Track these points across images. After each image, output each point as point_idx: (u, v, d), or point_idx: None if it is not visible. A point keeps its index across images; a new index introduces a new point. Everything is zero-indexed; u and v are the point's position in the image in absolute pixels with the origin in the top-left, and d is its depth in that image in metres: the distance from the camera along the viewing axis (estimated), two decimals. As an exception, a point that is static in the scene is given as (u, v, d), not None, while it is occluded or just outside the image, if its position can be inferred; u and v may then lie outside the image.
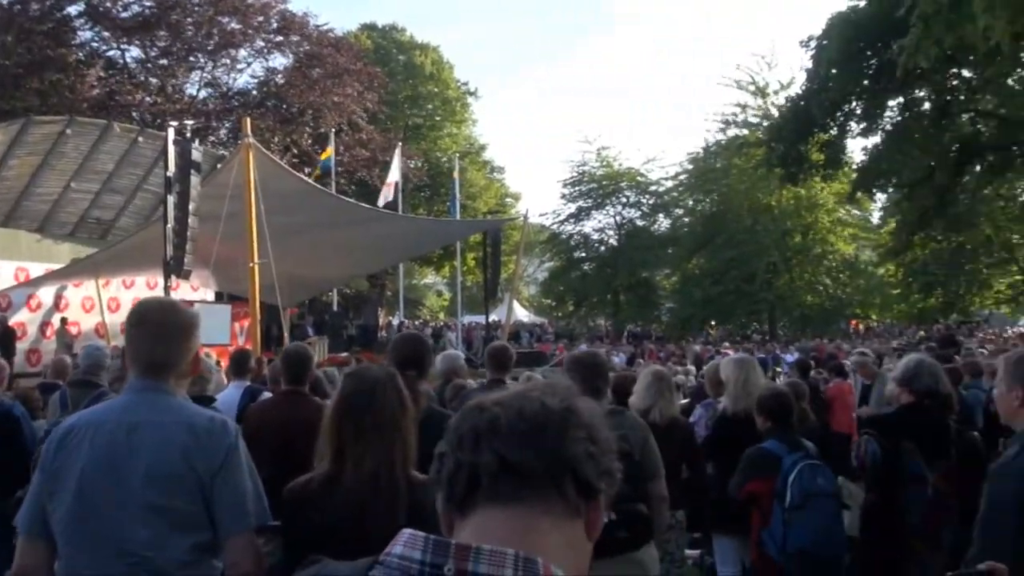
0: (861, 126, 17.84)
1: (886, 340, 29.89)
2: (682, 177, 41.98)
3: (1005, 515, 2.75)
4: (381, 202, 20.36)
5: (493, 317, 33.08)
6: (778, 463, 4.25)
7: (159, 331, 2.33)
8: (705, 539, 5.71)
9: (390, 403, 2.45)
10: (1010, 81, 18.94)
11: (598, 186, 41.37)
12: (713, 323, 39.87)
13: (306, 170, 23.45)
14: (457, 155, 33.42)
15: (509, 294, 25.84)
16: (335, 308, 24.22)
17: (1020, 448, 2.86)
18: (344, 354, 19.17)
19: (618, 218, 41.87)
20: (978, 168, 19.14)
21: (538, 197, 79.16)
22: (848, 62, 15.30)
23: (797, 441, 4.39)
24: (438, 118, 40.90)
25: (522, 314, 43.73)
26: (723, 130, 39.40)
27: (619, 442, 3.27)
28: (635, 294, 40.94)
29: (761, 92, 37.69)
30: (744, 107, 38.40)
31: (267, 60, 27.47)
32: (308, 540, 2.35)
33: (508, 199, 44.54)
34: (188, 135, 10.92)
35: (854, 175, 19.85)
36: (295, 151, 25.27)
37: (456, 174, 26.61)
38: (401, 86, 37.47)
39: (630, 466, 3.63)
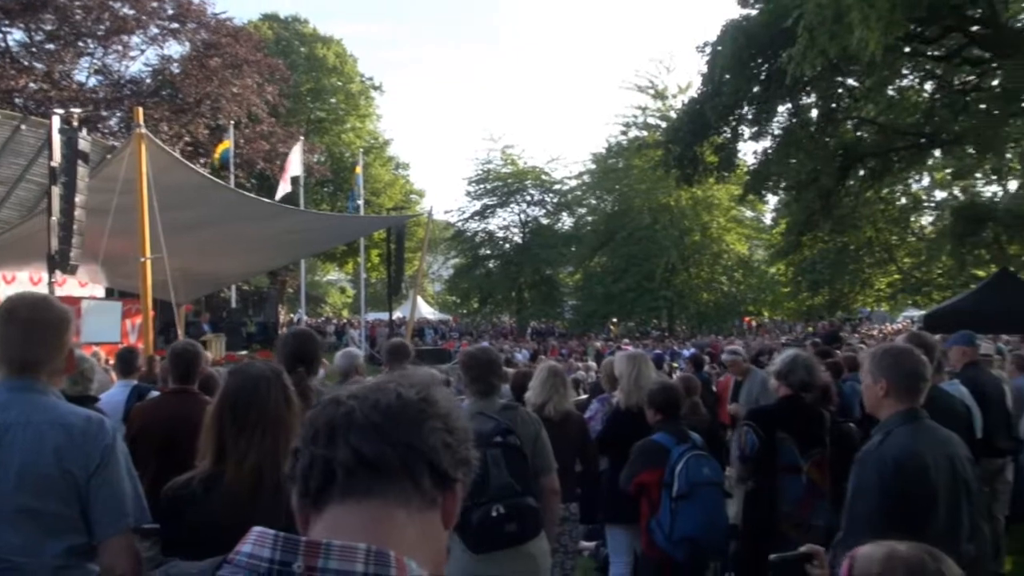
0: (752, 130, 18.50)
1: (776, 336, 31.19)
2: (585, 177, 42.76)
3: (868, 500, 2.95)
4: (279, 194, 19.88)
5: (397, 314, 32.87)
6: (666, 454, 4.41)
7: (29, 328, 2.24)
8: (600, 530, 5.85)
9: (274, 399, 2.41)
10: (889, 91, 20.02)
11: (503, 184, 41.63)
12: (614, 320, 40.68)
13: (201, 161, 22.72)
14: (361, 150, 32.93)
15: (413, 291, 25.70)
16: (233, 305, 23.55)
17: (883, 437, 3.07)
18: (243, 352, 18.71)
19: (522, 216, 42.26)
20: (861, 173, 20.18)
21: (443, 194, 79.15)
22: (740, 68, 15.85)
23: (685, 433, 4.55)
24: (341, 112, 40.26)
25: (427, 311, 43.64)
26: (624, 131, 40.36)
27: (511, 437, 3.35)
28: (539, 291, 41.41)
29: (660, 95, 38.75)
30: (644, 109, 39.47)
31: (162, 48, 26.38)
32: (186, 540, 2.29)
33: (413, 195, 44.28)
34: (75, 124, 10.39)
35: (746, 177, 20.60)
36: (188, 140, 24.41)
37: (359, 169, 26.19)
38: (303, 79, 36.70)
39: (521, 460, 3.73)
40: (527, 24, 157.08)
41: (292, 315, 35.80)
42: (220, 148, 21.73)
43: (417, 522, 0.99)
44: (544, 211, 42.93)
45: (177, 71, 26.08)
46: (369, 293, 42.24)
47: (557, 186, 42.82)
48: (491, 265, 42.72)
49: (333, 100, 39.95)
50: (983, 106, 16.47)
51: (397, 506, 0.98)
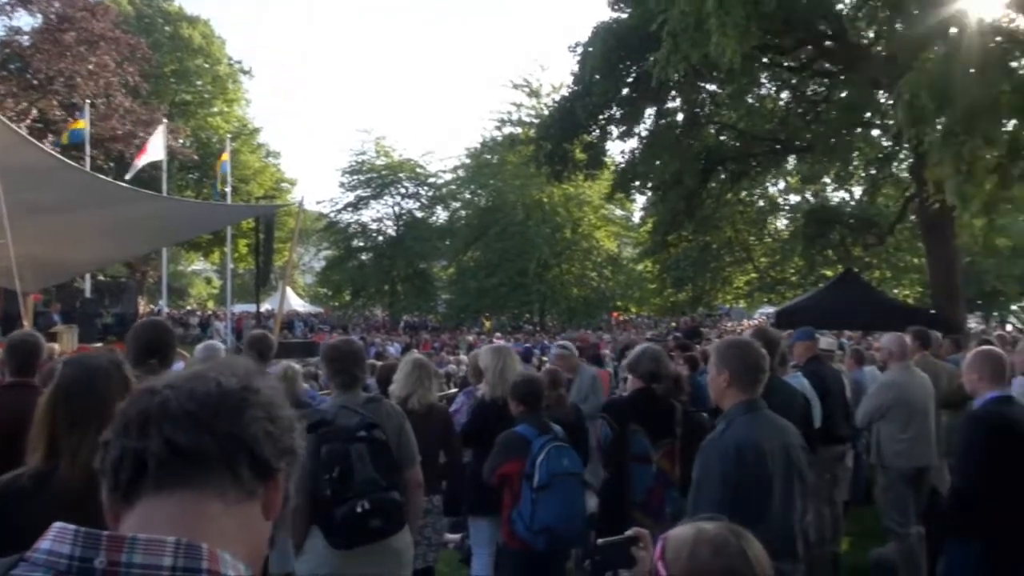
0: (621, 130, 19.01)
1: (642, 331, 32.24)
2: (460, 171, 42.84)
3: (711, 486, 3.12)
4: (130, 174, 18.83)
5: (266, 306, 31.93)
6: (528, 446, 4.50)
7: None
8: (464, 523, 5.90)
9: (113, 392, 2.27)
10: (749, 99, 21.03)
11: (377, 176, 41.14)
12: (487, 314, 40.99)
13: (50, 138, 21.32)
14: (229, 136, 31.76)
15: (283, 283, 25.02)
16: (88, 295, 22.24)
17: (726, 426, 3.24)
18: (97, 344, 17.69)
19: (396, 209, 41.93)
20: (722, 176, 21.12)
21: (316, 184, 77.31)
22: (610, 70, 16.25)
23: (547, 425, 4.64)
24: (208, 95, 38.71)
25: (297, 303, 42.64)
26: (499, 127, 40.66)
27: (376, 431, 3.33)
28: (412, 285, 41.20)
29: (535, 93, 39.30)
30: (519, 106, 39.90)
31: (10, 18, 24.62)
32: (14, 540, 2.15)
33: (284, 184, 43.12)
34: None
35: (614, 176, 21.18)
36: (35, 117, 22.87)
37: (227, 156, 25.24)
38: (167, 59, 35.06)
39: (387, 454, 3.72)
40: (404, 15, 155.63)
41: (152, 306, 34.17)
42: (72, 126, 20.42)
43: (235, 514, 0.96)
44: (418, 204, 42.77)
45: (27, 44, 24.38)
46: (236, 284, 40.88)
47: (432, 179, 42.74)
48: (364, 257, 42.17)
49: (199, 83, 38.38)
50: (832, 116, 17.55)
51: (212, 497, 0.94)
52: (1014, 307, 34.49)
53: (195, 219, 18.51)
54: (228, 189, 26.28)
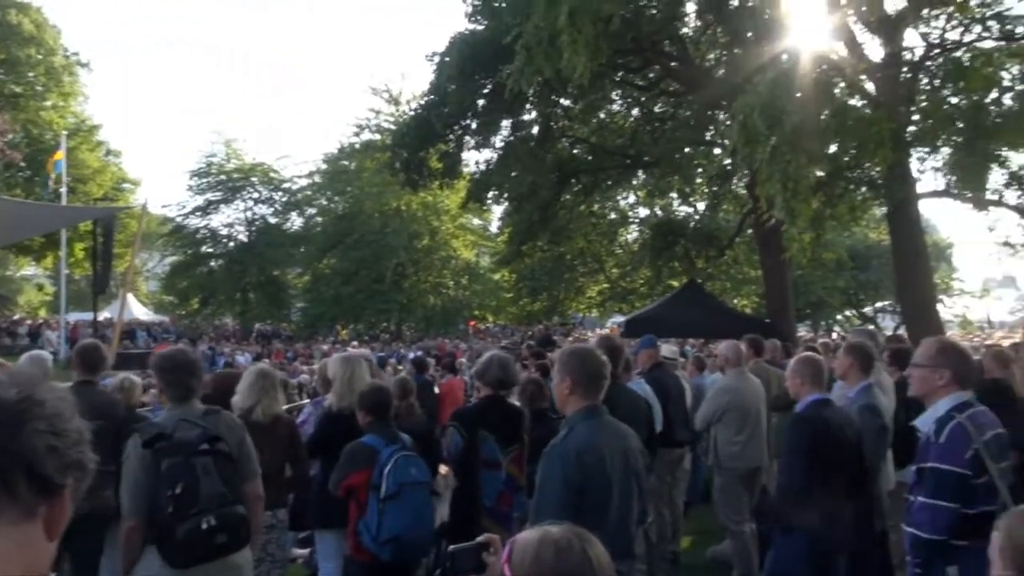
0: (477, 140, 19.17)
1: (498, 340, 32.59)
2: (316, 177, 41.91)
3: (553, 490, 3.18)
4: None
5: (104, 314, 30.06)
6: (376, 456, 4.45)
7: None
8: (312, 537, 5.76)
9: None
10: (601, 114, 21.75)
11: (228, 179, 39.58)
12: (343, 322, 40.26)
13: None
14: (64, 132, 29.74)
15: (123, 290, 23.58)
16: None
17: (568, 431, 3.32)
18: (-97, 356, 16.09)
19: (249, 214, 40.45)
20: (576, 188, 21.67)
21: (162, 186, 73.63)
22: (465, 80, 16.34)
23: (395, 434, 4.61)
24: (40, 88, 36.10)
25: (140, 312, 40.47)
26: (357, 133, 40.11)
27: (220, 443, 3.19)
28: (265, 292, 39.85)
29: (395, 101, 39.03)
30: (379, 113, 39.52)
31: None
32: None
33: (126, 185, 40.73)
34: None
35: (469, 186, 21.29)
36: None
37: (62, 154, 23.61)
38: (-8, 47, 32.48)
39: (231, 467, 3.58)
40: (261, 13, 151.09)
41: (-28, 314, 31.48)
42: None
43: (10, 534, 0.90)
44: (272, 210, 41.43)
45: None
46: (72, 291, 38.29)
47: (286, 185, 41.53)
48: (213, 264, 40.42)
49: (31, 74, 35.72)
50: (676, 134, 18.41)
51: None
52: (839, 316, 37.18)
53: (24, 221, 17.15)
54: (64, 189, 24.57)
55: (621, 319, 23.05)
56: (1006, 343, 13.00)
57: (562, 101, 19.16)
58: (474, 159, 21.14)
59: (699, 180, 24.40)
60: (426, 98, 18.59)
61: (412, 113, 22.64)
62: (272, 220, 41.22)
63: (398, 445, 4.52)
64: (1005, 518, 2.00)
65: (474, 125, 18.19)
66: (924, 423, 3.62)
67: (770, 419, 7.18)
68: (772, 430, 7.02)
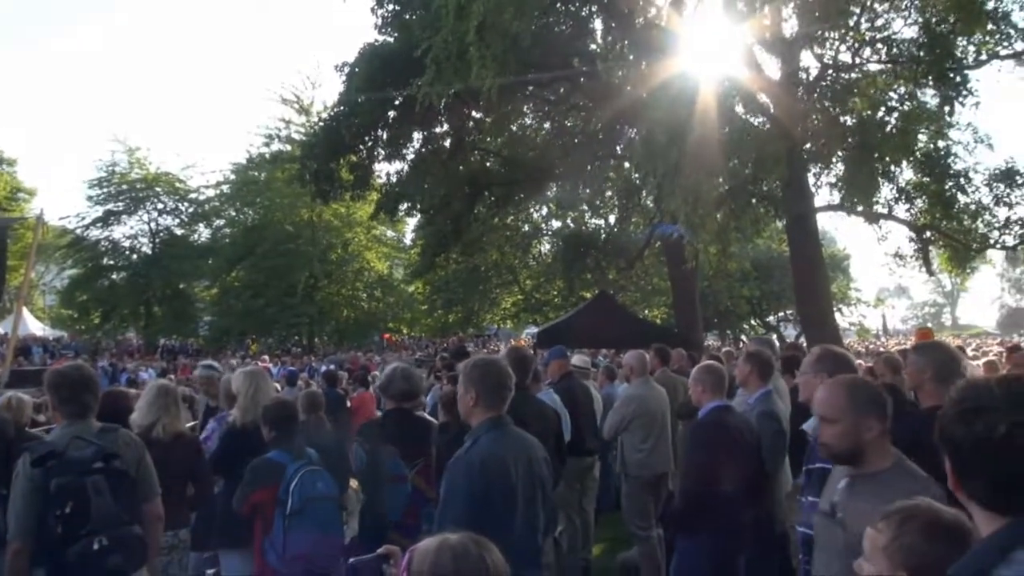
0: (387, 151, 19.05)
1: (413, 352, 32.43)
2: (224, 187, 40.84)
3: (458, 500, 3.21)
4: None
5: (-4, 330, 28.56)
6: (282, 471, 4.38)
7: None
8: (217, 557, 5.61)
9: None
10: (513, 127, 21.94)
11: (131, 189, 38.18)
12: (253, 336, 39.30)
13: None
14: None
15: (17, 304, 22.45)
16: None
17: (473, 442, 3.35)
18: None
19: (153, 225, 39.09)
20: (490, 200, 21.78)
21: (59, 196, 70.50)
22: (376, 91, 16.23)
23: (301, 449, 4.54)
24: (-77, 92, 34.22)
25: (36, 327, 38.53)
26: (267, 143, 39.31)
27: (115, 461, 3.12)
28: (170, 306, 38.54)
29: (305, 110, 38.45)
30: (289, 123, 38.86)
31: None
32: None
33: (21, 194, 38.87)
34: None
35: (379, 197, 21.13)
36: None
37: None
38: None
39: (128, 486, 3.49)
40: (164, 17, 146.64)
41: None
42: None
43: None
44: (178, 221, 40.17)
45: None
46: (-41, 306, 36.25)
47: (193, 195, 40.33)
48: (115, 277, 38.86)
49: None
50: (586, 147, 18.73)
51: None
52: (745, 325, 38.40)
53: (-98, 232, 16.17)
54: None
55: (535, 330, 23.29)
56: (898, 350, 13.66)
57: (474, 114, 19.25)
58: (385, 171, 20.98)
59: (609, 193, 24.83)
60: (336, 109, 18.38)
61: (319, 123, 22.35)
62: (178, 231, 39.95)
63: (304, 460, 4.46)
64: (888, 517, 1.90)
65: (385, 137, 18.08)
66: (811, 426, 3.79)
67: (676, 427, 7.36)
68: (678, 437, 7.19)
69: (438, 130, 20.00)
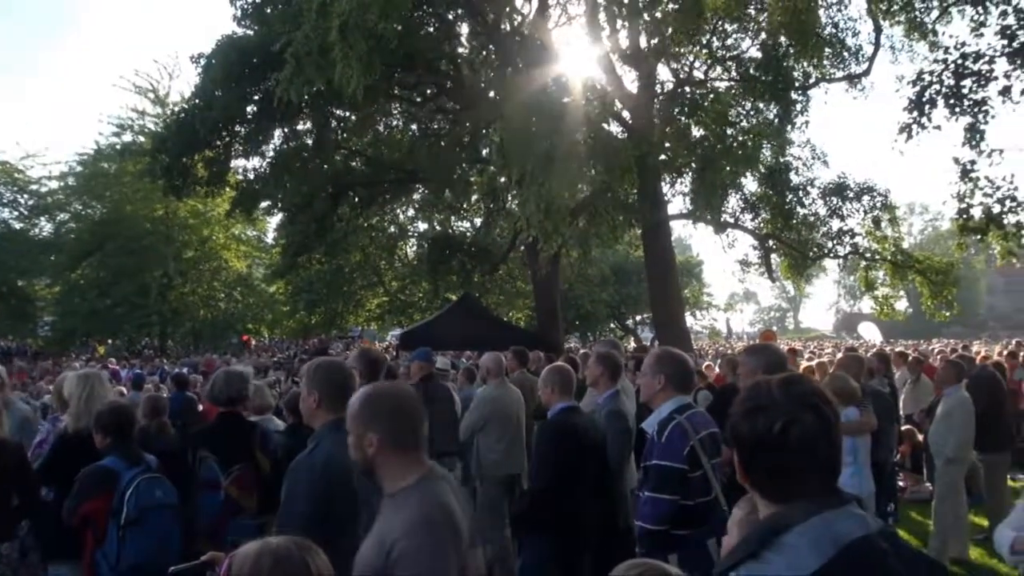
0: (246, 148, 18.45)
1: (273, 354, 31.52)
2: (70, 179, 38.34)
3: (298, 504, 3.16)
4: None
5: None
6: (116, 479, 4.18)
7: None
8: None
9: None
10: (380, 127, 21.73)
11: (-37, 180, 35.39)
12: (100, 338, 37.12)
13: None
14: None
15: None
16: None
17: (315, 445, 3.32)
18: None
19: (-12, 218, 36.37)
20: (355, 200, 21.47)
21: None
22: (233, 85, 15.64)
23: (138, 455, 4.35)
24: None
25: None
26: (118, 134, 37.22)
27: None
28: (7, 305, 35.85)
29: (161, 101, 36.71)
30: (143, 113, 37.01)
31: None
32: None
33: None
34: None
35: (236, 195, 20.42)
36: None
37: None
38: None
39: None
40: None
41: None
42: None
43: None
44: (16, 214, 37.48)
45: None
46: None
47: (34, 186, 37.70)
48: (-55, 273, 35.89)
49: None
50: (452, 150, 18.79)
51: None
52: (605, 328, 39.57)
53: None
54: None
55: (400, 332, 23.16)
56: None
57: (338, 112, 18.94)
58: (243, 167, 20.27)
59: (475, 197, 25.02)
60: (191, 102, 17.61)
61: (172, 116, 21.39)
62: (17, 225, 37.26)
63: (141, 467, 4.28)
64: (747, 498, 2.13)
65: (243, 132, 17.48)
66: (649, 425, 3.97)
67: (532, 427, 7.51)
68: (534, 438, 7.33)
69: (300, 127, 19.54)
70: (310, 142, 19.81)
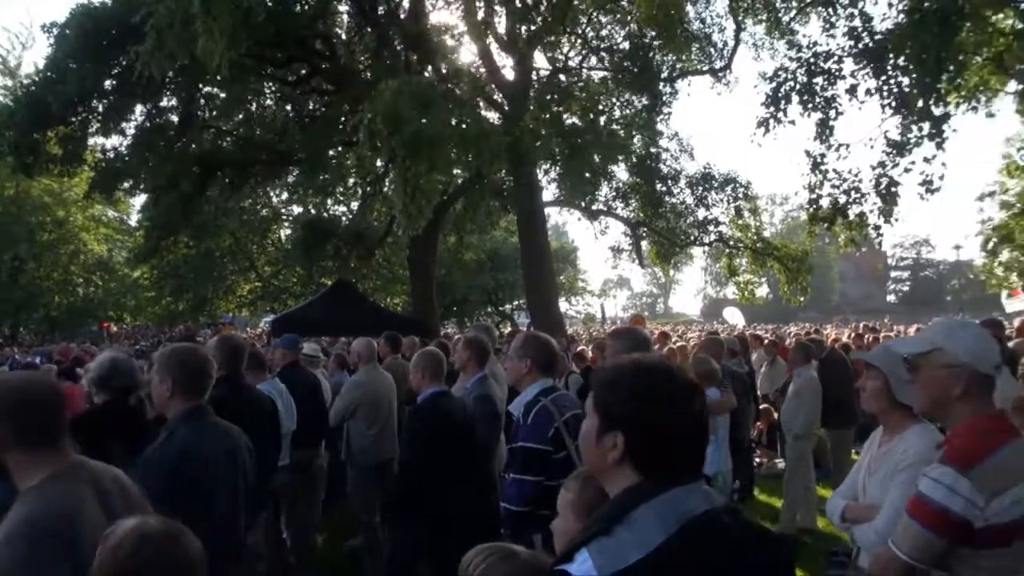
0: (105, 125, 17.40)
1: (135, 341, 30.06)
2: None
3: (153, 495, 3.05)
4: None
5: None
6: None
7: None
8: None
9: None
10: (252, 107, 20.97)
11: None
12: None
13: None
14: None
15: None
16: None
17: (169, 435, 3.20)
18: None
19: None
20: (226, 181, 20.62)
21: None
22: (89, 58, 14.64)
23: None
24: None
25: None
26: (-39, 105, 34.44)
27: None
28: None
29: (11, 73, 34.27)
30: (-8, 85, 34.40)
31: None
32: None
33: None
34: None
35: (94, 174, 19.25)
36: None
37: None
38: None
39: None
40: None
41: None
42: None
43: None
44: None
45: None
46: None
47: None
48: None
49: None
50: (324, 132, 18.30)
51: None
52: (482, 314, 39.74)
53: None
54: None
55: (272, 318, 22.51)
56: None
57: (206, 89, 18.15)
58: (101, 145, 19.10)
59: (351, 180, 24.56)
60: (43, 74, 16.41)
61: (21, 89, 19.94)
62: None
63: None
64: (574, 478, 2.22)
65: (101, 108, 16.44)
66: (515, 407, 4.04)
67: (405, 412, 7.48)
68: (405, 423, 7.31)
69: (164, 104, 18.59)
70: (176, 119, 18.90)
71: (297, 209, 32.53)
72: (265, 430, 5.04)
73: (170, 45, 11.07)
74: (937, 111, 10.48)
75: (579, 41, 17.78)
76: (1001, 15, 11.85)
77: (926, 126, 10.56)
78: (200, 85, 17.39)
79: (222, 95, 18.74)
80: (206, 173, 18.52)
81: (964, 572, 2.35)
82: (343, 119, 16.89)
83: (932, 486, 2.33)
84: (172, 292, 33.42)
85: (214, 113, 20.18)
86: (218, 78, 16.11)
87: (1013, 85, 15.72)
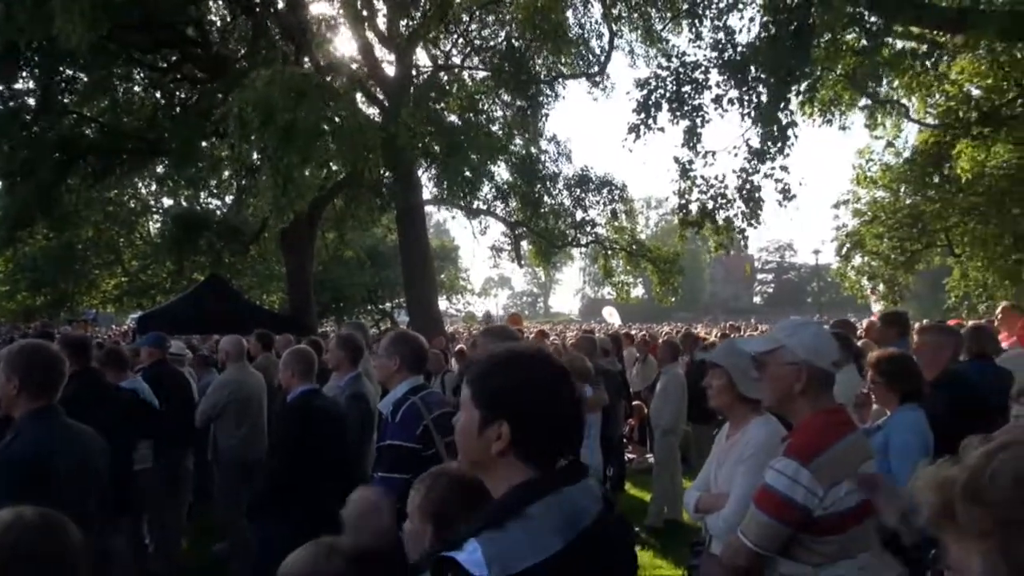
0: (-52, 106, 16.19)
1: (-13, 339, 28.16)
2: None
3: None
4: None
5: None
6: None
7: None
8: None
9: None
10: (120, 92, 19.86)
11: None
12: None
13: None
14: None
15: None
16: None
17: (15, 436, 3.06)
18: None
19: None
20: (89, 170, 19.48)
21: None
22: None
23: None
24: None
25: None
26: None
27: None
28: None
29: None
30: None
31: None
32: None
33: None
34: None
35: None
36: None
37: None
38: None
39: None
40: None
41: None
42: None
43: None
44: None
45: None
46: None
47: None
48: None
49: None
50: (194, 121, 17.54)
51: None
52: (362, 312, 39.15)
53: None
54: None
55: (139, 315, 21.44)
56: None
57: (67, 72, 17.12)
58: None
59: (226, 173, 23.69)
60: None
61: None
62: None
63: None
64: (421, 480, 2.24)
65: (-57, 88, 15.28)
66: (384, 406, 4.05)
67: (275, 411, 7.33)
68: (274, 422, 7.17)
69: (20, 86, 17.46)
70: (32, 103, 17.76)
71: (168, 201, 31.15)
72: (124, 429, 4.87)
73: (20, 21, 10.34)
74: (784, 119, 11.03)
75: (460, 40, 17.83)
76: (852, 34, 12.61)
77: (777, 134, 11.09)
78: (60, 68, 16.38)
79: (84, 79, 17.70)
80: (67, 160, 17.48)
81: (803, 557, 2.54)
82: (215, 109, 16.29)
83: (776, 477, 2.51)
84: (29, 287, 31.40)
85: (75, 98, 19.04)
86: (81, 61, 15.31)
87: (864, 100, 16.83)
